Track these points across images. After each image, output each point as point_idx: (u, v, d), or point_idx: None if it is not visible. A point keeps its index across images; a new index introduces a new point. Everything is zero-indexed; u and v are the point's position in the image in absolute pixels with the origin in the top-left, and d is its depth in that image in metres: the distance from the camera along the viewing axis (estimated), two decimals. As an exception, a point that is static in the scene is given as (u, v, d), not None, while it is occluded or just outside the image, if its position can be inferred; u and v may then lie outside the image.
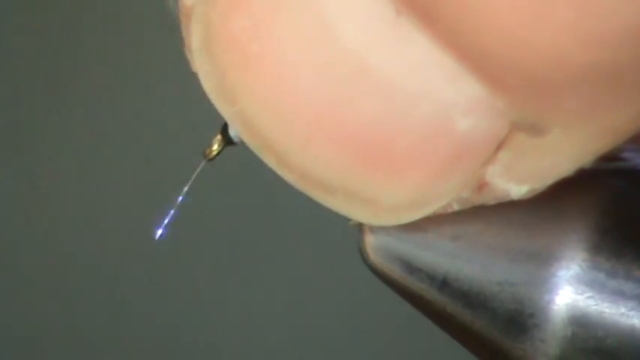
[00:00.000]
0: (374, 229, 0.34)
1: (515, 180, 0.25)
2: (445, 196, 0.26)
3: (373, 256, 0.34)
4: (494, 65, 0.21)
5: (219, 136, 0.42)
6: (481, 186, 0.25)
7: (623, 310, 0.30)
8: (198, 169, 0.40)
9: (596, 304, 0.30)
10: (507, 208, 0.31)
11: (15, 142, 1.17)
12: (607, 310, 0.30)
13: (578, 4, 0.19)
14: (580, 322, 0.30)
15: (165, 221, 0.41)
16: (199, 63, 0.24)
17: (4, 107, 1.16)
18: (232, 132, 0.42)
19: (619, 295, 0.30)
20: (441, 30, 0.21)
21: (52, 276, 1.17)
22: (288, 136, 0.24)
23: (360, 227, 0.36)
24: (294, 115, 0.23)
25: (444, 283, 0.32)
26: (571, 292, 0.30)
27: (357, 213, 0.26)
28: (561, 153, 0.24)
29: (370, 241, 0.34)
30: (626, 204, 0.31)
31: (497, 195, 0.26)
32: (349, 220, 0.37)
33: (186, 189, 0.40)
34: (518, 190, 0.26)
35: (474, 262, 0.32)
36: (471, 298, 0.31)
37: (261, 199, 1.11)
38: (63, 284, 1.16)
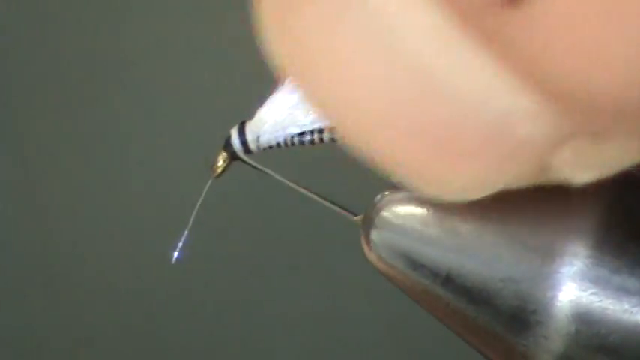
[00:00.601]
0: (377, 225, 0.34)
1: (579, 169, 0.26)
2: (508, 180, 0.26)
3: (376, 252, 0.34)
4: (556, 93, 0.22)
5: (223, 153, 0.43)
6: (545, 168, 0.26)
7: (626, 306, 0.30)
8: (206, 187, 0.40)
9: (599, 301, 0.30)
10: (511, 204, 0.31)
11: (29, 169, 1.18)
12: (610, 306, 0.30)
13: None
14: (583, 319, 0.30)
15: (180, 243, 0.41)
16: (269, 32, 0.25)
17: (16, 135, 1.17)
18: (236, 147, 0.43)
19: (622, 291, 0.30)
20: (503, 53, 0.22)
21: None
22: (358, 125, 0.25)
23: (362, 223, 0.36)
24: (363, 106, 0.24)
25: (447, 279, 0.32)
26: (574, 288, 0.30)
27: (423, 190, 0.27)
28: (623, 151, 0.25)
29: (373, 237, 0.34)
30: (630, 201, 0.31)
31: (561, 179, 0.27)
32: (352, 216, 0.37)
33: (196, 208, 0.40)
34: (581, 177, 0.26)
35: (477, 259, 0.31)
36: (474, 294, 0.31)
37: (263, 201, 1.11)
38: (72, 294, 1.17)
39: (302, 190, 0.38)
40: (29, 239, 1.20)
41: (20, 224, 1.20)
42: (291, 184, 0.38)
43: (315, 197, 0.38)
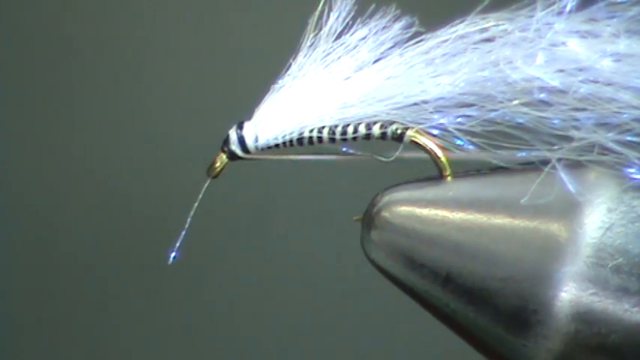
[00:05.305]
0: (377, 225, 0.34)
1: None
2: None
3: (376, 252, 0.34)
4: None
5: (221, 153, 0.43)
6: None
7: (626, 306, 0.30)
8: (204, 188, 0.40)
9: (599, 301, 0.30)
10: (512, 203, 0.31)
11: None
12: (611, 306, 0.30)
13: None
14: (583, 319, 0.30)
15: (178, 243, 0.41)
16: None
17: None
18: (234, 147, 0.43)
19: (623, 291, 0.30)
20: None
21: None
22: None
23: (362, 223, 0.36)
24: None
25: (447, 279, 0.32)
26: (575, 288, 0.30)
27: None
28: None
29: (373, 236, 0.34)
30: (631, 201, 0.31)
31: None
32: (352, 216, 0.37)
33: (194, 209, 0.40)
34: None
35: (478, 258, 0.31)
36: (475, 294, 0.31)
37: (264, 202, 1.11)
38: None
39: (318, 158, 0.38)
40: (28, 240, 1.20)
41: (18, 225, 1.20)
42: (301, 157, 0.38)
43: (333, 157, 0.38)
